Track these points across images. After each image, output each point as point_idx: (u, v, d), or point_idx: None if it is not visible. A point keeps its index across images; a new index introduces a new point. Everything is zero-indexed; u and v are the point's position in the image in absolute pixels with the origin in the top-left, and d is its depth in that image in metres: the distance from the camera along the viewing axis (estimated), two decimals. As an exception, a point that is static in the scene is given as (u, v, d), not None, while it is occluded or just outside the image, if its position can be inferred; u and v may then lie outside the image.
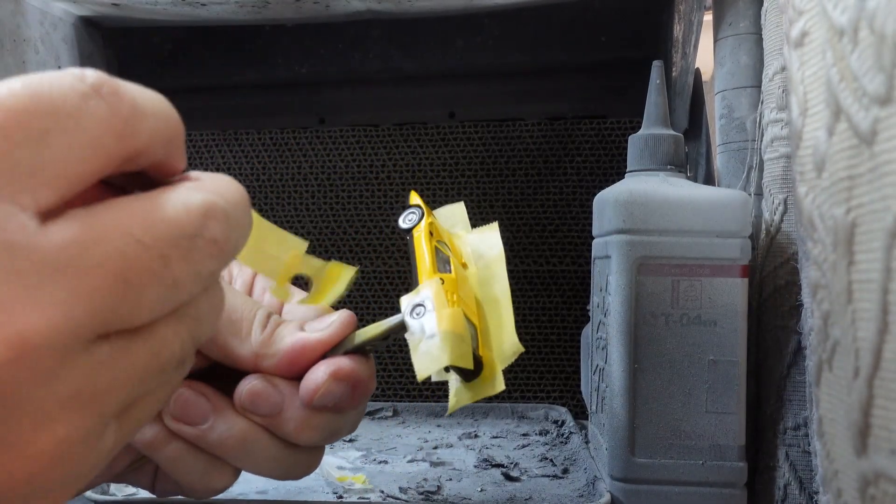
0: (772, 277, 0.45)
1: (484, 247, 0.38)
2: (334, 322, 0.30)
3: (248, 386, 0.30)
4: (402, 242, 0.73)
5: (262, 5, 0.64)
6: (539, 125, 0.73)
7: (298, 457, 0.31)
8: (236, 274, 0.34)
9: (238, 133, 0.77)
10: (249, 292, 0.33)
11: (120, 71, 0.76)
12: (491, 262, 0.37)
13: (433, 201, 0.61)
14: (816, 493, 0.39)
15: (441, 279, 0.32)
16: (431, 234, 0.35)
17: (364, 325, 0.31)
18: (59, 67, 0.67)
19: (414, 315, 0.31)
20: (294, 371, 0.30)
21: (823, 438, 0.28)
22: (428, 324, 0.30)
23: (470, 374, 0.32)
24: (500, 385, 0.32)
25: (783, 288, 0.44)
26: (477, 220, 0.73)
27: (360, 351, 0.31)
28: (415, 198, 0.38)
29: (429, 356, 0.29)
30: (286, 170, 0.77)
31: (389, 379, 0.74)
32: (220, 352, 0.30)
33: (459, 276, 0.34)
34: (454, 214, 0.42)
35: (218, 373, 0.31)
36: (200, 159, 0.78)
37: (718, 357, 0.43)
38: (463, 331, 0.30)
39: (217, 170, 0.77)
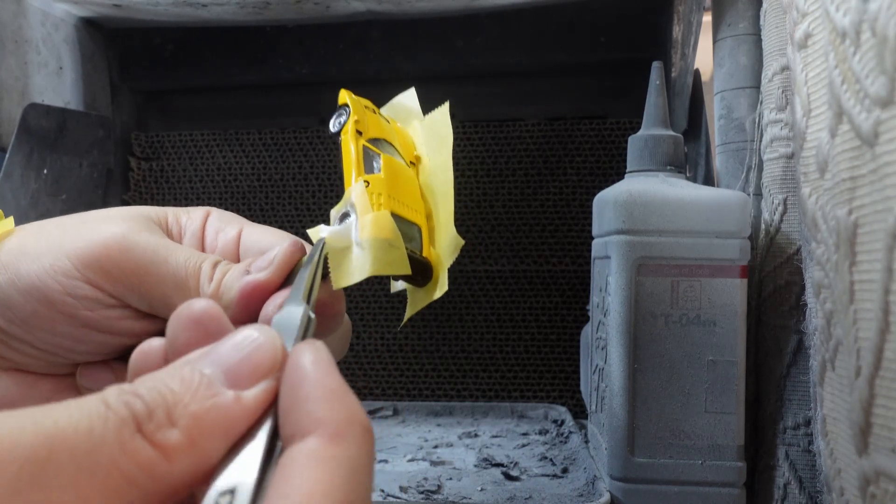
0: (771, 277, 0.45)
1: (436, 132, 0.36)
2: (276, 256, 0.29)
3: None
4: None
5: (263, 6, 0.64)
6: (539, 125, 0.73)
7: None
8: (185, 223, 0.32)
9: (239, 133, 0.77)
10: (202, 240, 0.32)
11: (121, 71, 0.76)
12: (440, 148, 0.35)
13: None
14: (817, 492, 0.39)
15: (366, 181, 0.30)
16: (360, 132, 0.33)
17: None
18: (61, 68, 0.67)
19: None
20: (254, 314, 0.29)
21: (827, 437, 0.28)
22: (352, 232, 0.28)
23: (419, 280, 0.31)
24: (442, 288, 0.31)
25: (783, 288, 0.44)
26: (477, 220, 0.74)
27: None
28: (343, 96, 0.35)
29: (352, 268, 0.27)
30: (286, 170, 0.77)
31: (389, 378, 0.74)
32: None
33: (390, 173, 0.32)
34: (406, 106, 0.40)
35: None
36: (201, 159, 0.78)
37: (717, 357, 0.44)
38: (390, 234, 0.29)
39: (217, 170, 0.77)
